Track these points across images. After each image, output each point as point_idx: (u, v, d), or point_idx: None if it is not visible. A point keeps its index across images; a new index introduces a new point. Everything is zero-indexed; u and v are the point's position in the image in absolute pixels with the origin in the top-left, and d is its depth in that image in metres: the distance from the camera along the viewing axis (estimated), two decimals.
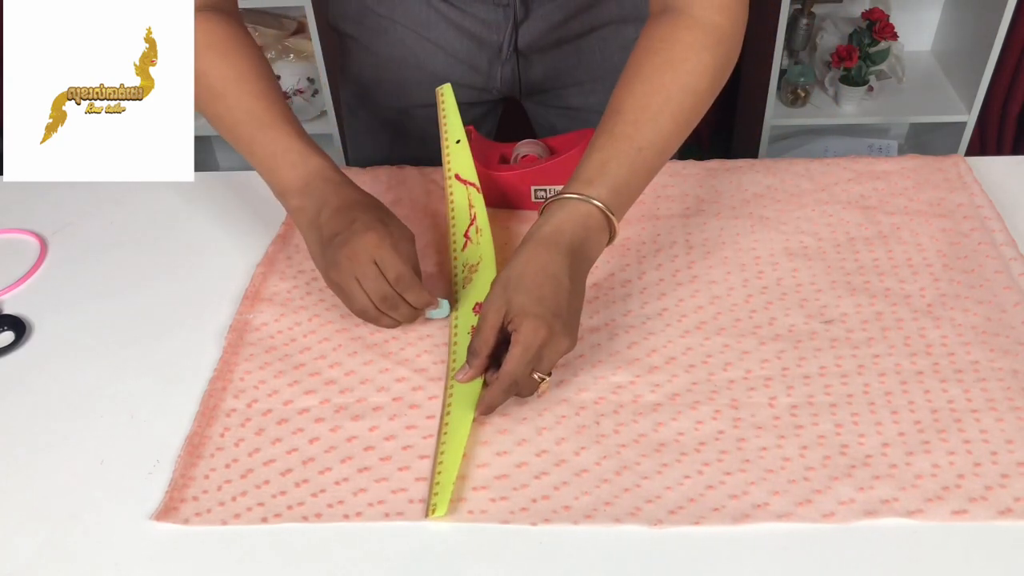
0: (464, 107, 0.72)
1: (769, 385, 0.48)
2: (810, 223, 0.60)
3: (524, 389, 0.45)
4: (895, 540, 0.40)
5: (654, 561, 0.40)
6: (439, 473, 0.43)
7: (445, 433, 0.45)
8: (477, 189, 0.57)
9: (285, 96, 1.46)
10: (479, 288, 0.51)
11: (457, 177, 0.59)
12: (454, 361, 0.49)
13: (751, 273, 0.56)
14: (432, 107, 0.65)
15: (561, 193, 0.48)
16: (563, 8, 0.65)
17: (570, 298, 0.45)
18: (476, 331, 0.46)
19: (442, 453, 0.44)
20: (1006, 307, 0.52)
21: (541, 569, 0.40)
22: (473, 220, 0.56)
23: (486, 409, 0.45)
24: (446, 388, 0.48)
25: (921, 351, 0.50)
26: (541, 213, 0.48)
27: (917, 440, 0.44)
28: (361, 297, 0.49)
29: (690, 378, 0.49)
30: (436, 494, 0.42)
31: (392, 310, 0.50)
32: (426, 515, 0.41)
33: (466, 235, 0.56)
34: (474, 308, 0.50)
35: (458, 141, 0.60)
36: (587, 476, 0.43)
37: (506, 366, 0.44)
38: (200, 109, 0.53)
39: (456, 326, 0.51)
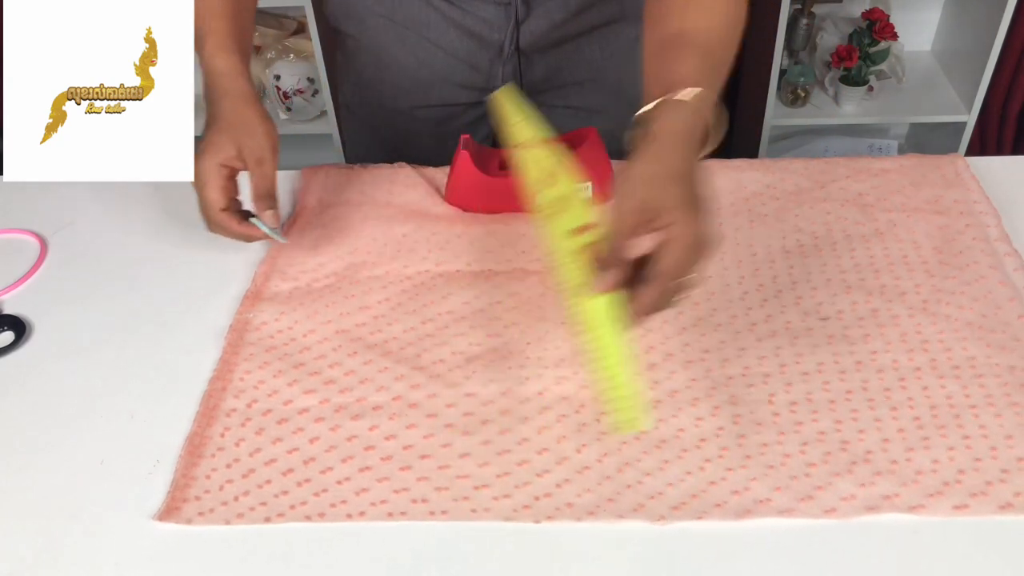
0: (463, 108, 0.72)
1: (767, 382, 0.48)
2: (808, 221, 0.60)
3: (675, 292, 0.40)
4: (897, 535, 0.40)
5: (658, 557, 0.40)
6: (615, 389, 0.38)
7: (602, 360, 0.40)
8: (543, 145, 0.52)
9: (286, 96, 1.47)
10: (573, 215, 0.46)
11: (525, 146, 0.53)
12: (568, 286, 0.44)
13: (747, 270, 0.56)
14: (432, 107, 0.64)
15: (669, 96, 0.43)
16: (564, 6, 0.65)
17: (702, 198, 0.41)
18: (612, 234, 0.40)
19: (607, 371, 0.39)
20: (1001, 303, 0.52)
21: (545, 567, 0.40)
22: (558, 164, 0.50)
23: (650, 310, 0.39)
24: (572, 318, 0.44)
25: (917, 347, 0.50)
26: (642, 117, 0.44)
27: (917, 436, 0.44)
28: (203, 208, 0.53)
29: (688, 375, 0.49)
30: (624, 410, 0.38)
31: (222, 232, 0.53)
32: (617, 432, 0.38)
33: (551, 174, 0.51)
34: (574, 232, 0.44)
35: (522, 121, 0.55)
36: (589, 473, 0.43)
37: (665, 262, 0.39)
38: None
39: (556, 254, 0.46)
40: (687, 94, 0.44)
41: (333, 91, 1.42)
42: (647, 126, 0.44)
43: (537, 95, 0.72)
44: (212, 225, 0.53)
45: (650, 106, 0.44)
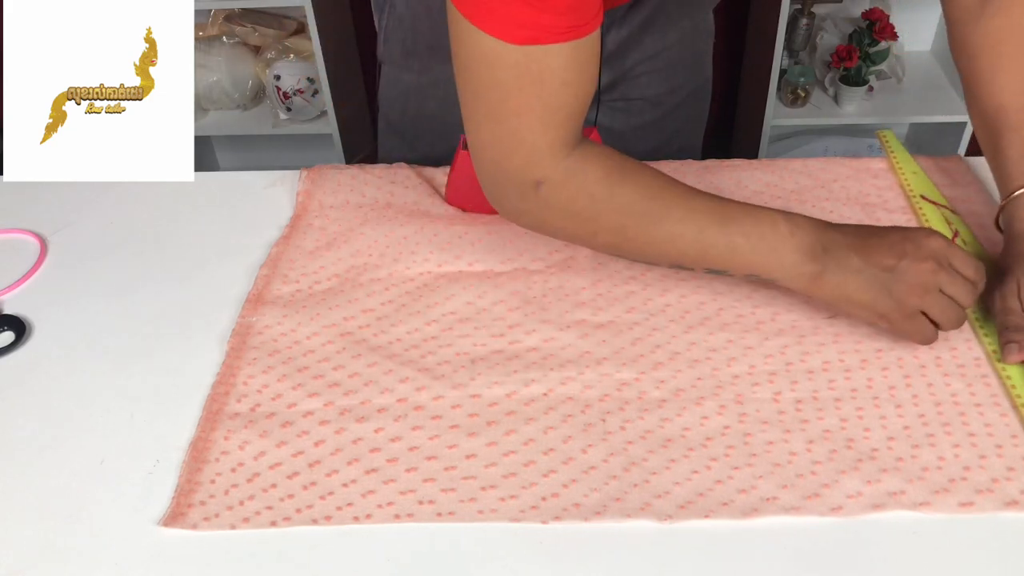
0: None
1: (773, 380, 0.48)
2: None
3: None
4: (903, 532, 0.40)
5: (665, 556, 0.40)
6: None
7: None
8: (951, 210, 0.59)
9: (286, 96, 1.47)
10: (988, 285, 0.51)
11: (923, 197, 0.60)
12: (995, 352, 0.48)
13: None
14: None
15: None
16: (642, 7, 0.64)
17: None
18: (1010, 311, 0.47)
19: None
20: None
21: (553, 566, 0.40)
22: (956, 235, 0.57)
23: None
24: (1002, 382, 0.47)
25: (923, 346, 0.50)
26: (1009, 204, 0.51)
27: (922, 433, 0.44)
28: (932, 330, 0.46)
29: (694, 373, 0.48)
30: None
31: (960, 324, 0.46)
32: None
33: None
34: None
35: (914, 172, 0.63)
36: (595, 473, 0.43)
37: None
38: (636, 251, 0.47)
39: (976, 319, 0.51)
40: None
41: (333, 91, 1.42)
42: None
43: (601, 94, 0.70)
44: (961, 319, 0.46)
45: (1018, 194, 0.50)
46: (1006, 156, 0.52)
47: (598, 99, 0.70)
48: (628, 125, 0.60)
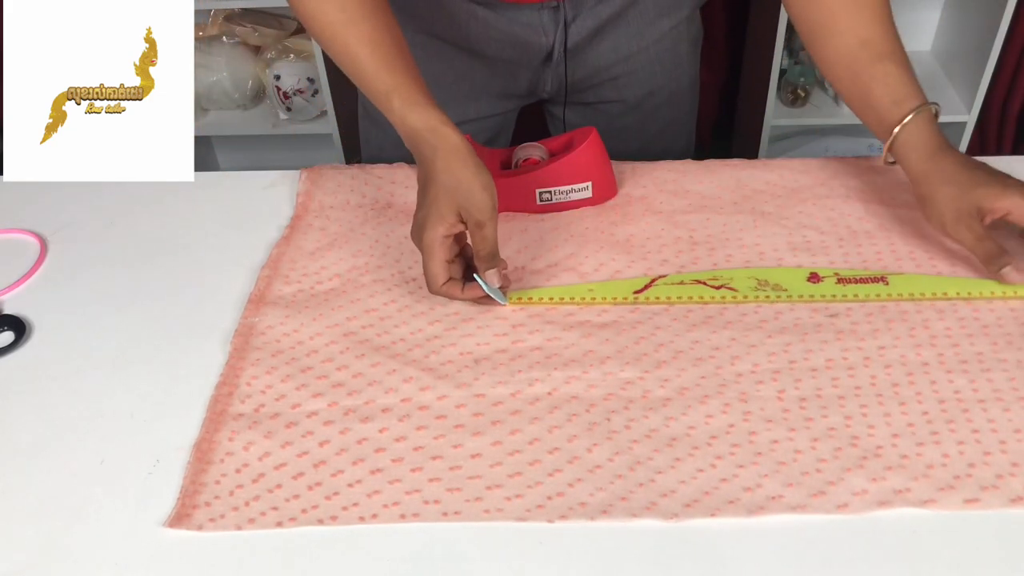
0: (498, 118, 0.72)
1: (777, 378, 0.48)
2: (811, 217, 0.60)
3: None
4: (908, 530, 0.40)
5: (671, 555, 0.40)
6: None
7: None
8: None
9: (286, 96, 1.47)
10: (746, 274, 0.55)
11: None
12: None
13: (754, 267, 0.56)
14: (468, 123, 0.63)
15: (908, 112, 0.54)
16: (610, 3, 0.64)
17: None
18: (983, 240, 0.52)
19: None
20: (1007, 298, 0.52)
21: (559, 566, 0.40)
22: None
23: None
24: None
25: (926, 342, 0.50)
26: (897, 138, 0.54)
27: (926, 430, 0.44)
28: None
29: (698, 372, 0.48)
30: None
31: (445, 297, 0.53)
32: None
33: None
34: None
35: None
36: (601, 472, 0.43)
37: None
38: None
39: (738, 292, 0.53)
40: (926, 108, 0.54)
41: (333, 91, 1.41)
42: (923, 141, 0.54)
43: (577, 94, 0.71)
44: (434, 292, 0.53)
45: (906, 121, 0.54)
46: (884, 84, 0.54)
47: (565, 96, 0.70)
48: (607, 127, 0.61)
